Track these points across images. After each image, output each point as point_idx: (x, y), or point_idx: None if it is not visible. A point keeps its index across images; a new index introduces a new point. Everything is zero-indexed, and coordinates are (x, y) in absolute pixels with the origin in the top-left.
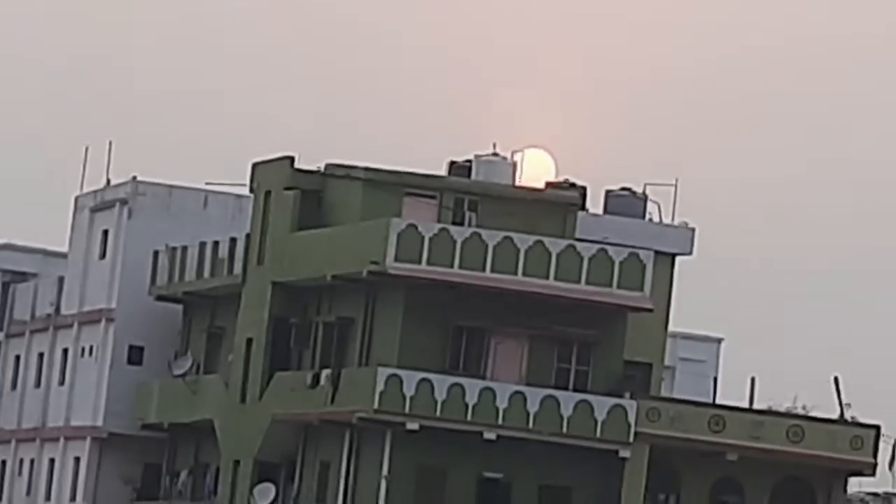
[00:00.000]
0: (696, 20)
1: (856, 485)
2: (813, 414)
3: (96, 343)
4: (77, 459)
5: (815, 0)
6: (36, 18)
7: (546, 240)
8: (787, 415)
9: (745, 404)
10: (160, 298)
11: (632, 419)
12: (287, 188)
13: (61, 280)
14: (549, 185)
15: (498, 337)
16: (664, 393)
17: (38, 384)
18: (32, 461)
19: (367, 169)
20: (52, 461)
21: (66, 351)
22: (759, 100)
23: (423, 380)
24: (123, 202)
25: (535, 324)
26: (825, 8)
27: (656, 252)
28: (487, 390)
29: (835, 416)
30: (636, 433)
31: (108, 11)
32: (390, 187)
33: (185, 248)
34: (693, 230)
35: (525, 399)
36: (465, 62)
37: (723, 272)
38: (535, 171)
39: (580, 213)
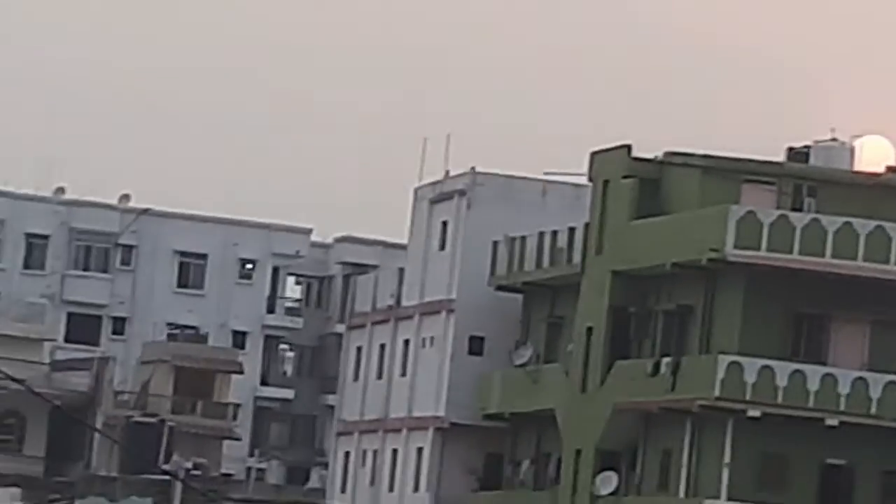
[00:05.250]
0: None
1: None
2: None
3: (437, 334)
4: (419, 450)
5: None
6: (374, 15)
7: (886, 225)
8: None
9: None
10: (500, 289)
11: None
12: (625, 177)
13: (401, 272)
14: (888, 169)
15: (838, 323)
16: None
17: (379, 375)
18: (375, 452)
19: (705, 156)
20: (394, 452)
21: (407, 342)
22: None
23: (764, 367)
24: (462, 193)
25: (876, 309)
26: None
27: None
28: (829, 377)
29: None
30: None
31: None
32: (728, 174)
33: (524, 238)
34: None
35: (867, 385)
36: (801, 50)
37: None
38: (874, 156)
39: None
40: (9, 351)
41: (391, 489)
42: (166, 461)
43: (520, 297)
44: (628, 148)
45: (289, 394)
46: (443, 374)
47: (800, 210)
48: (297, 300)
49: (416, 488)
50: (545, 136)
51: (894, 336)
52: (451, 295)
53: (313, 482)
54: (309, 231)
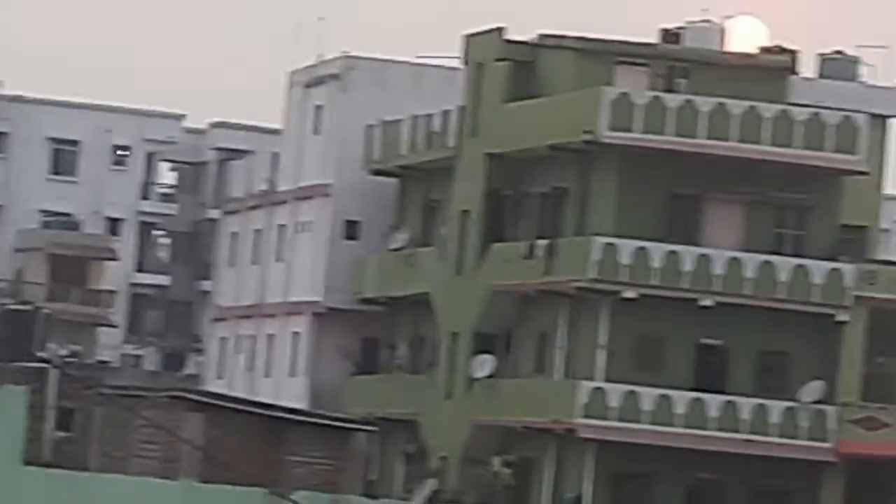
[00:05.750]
0: None
1: None
2: None
3: (312, 218)
4: (296, 335)
5: None
6: None
7: (759, 105)
8: None
9: None
10: (375, 173)
11: (849, 283)
12: (499, 59)
13: (276, 157)
14: (760, 50)
15: (713, 203)
16: (881, 256)
17: (254, 261)
18: (251, 338)
19: (578, 38)
20: (270, 337)
21: (282, 227)
22: None
23: (639, 248)
24: (336, 77)
25: (750, 190)
26: None
27: (870, 114)
28: (704, 257)
29: None
30: (854, 297)
31: None
32: (602, 56)
33: (398, 122)
34: None
35: (742, 265)
36: None
37: None
38: (747, 36)
39: (792, 78)
40: None
41: (267, 374)
42: (41, 349)
43: (395, 180)
44: (501, 30)
45: (164, 280)
46: (318, 258)
47: (673, 91)
48: (172, 186)
49: (293, 373)
50: (418, 19)
51: (767, 216)
52: (326, 179)
53: (189, 368)
54: (182, 117)
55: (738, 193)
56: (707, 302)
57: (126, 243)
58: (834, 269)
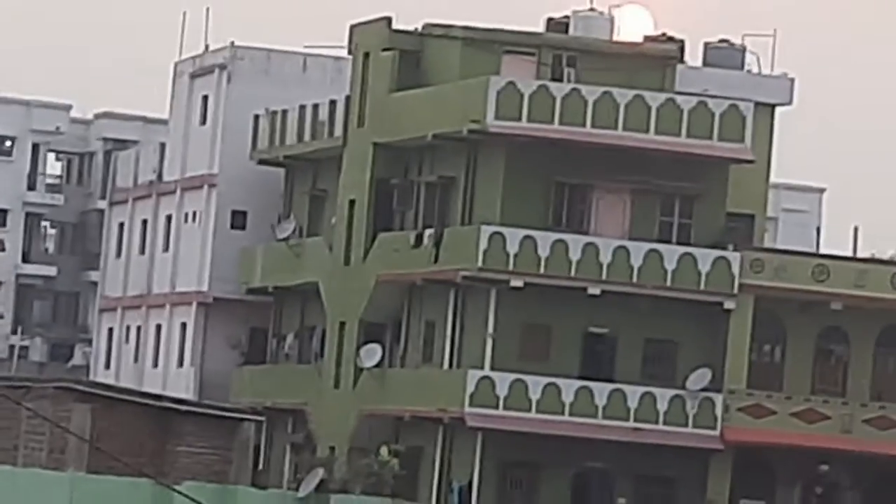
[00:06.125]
0: None
1: None
2: None
3: (199, 209)
4: (183, 325)
5: None
6: None
7: (645, 94)
8: (891, 262)
9: (849, 253)
10: (262, 163)
11: (736, 271)
12: (385, 49)
13: (163, 147)
14: (647, 39)
15: (600, 192)
16: (767, 244)
17: (142, 251)
18: (139, 328)
19: (465, 28)
20: (158, 328)
21: (169, 217)
22: None
23: (527, 237)
24: (222, 67)
25: (636, 178)
26: None
27: (756, 103)
28: (591, 246)
29: None
30: (740, 285)
31: None
32: (488, 45)
33: (285, 112)
34: (792, 80)
35: (629, 253)
36: None
37: (824, 121)
38: (633, 25)
39: (679, 67)
40: None
41: (155, 365)
42: None
43: (282, 170)
44: (388, 20)
45: (51, 271)
46: (205, 248)
47: (560, 80)
48: (58, 176)
49: (181, 364)
50: (305, 8)
51: (654, 205)
52: (213, 170)
53: (77, 359)
54: (69, 107)
55: (625, 182)
56: (594, 290)
57: (13, 234)
58: (720, 258)
